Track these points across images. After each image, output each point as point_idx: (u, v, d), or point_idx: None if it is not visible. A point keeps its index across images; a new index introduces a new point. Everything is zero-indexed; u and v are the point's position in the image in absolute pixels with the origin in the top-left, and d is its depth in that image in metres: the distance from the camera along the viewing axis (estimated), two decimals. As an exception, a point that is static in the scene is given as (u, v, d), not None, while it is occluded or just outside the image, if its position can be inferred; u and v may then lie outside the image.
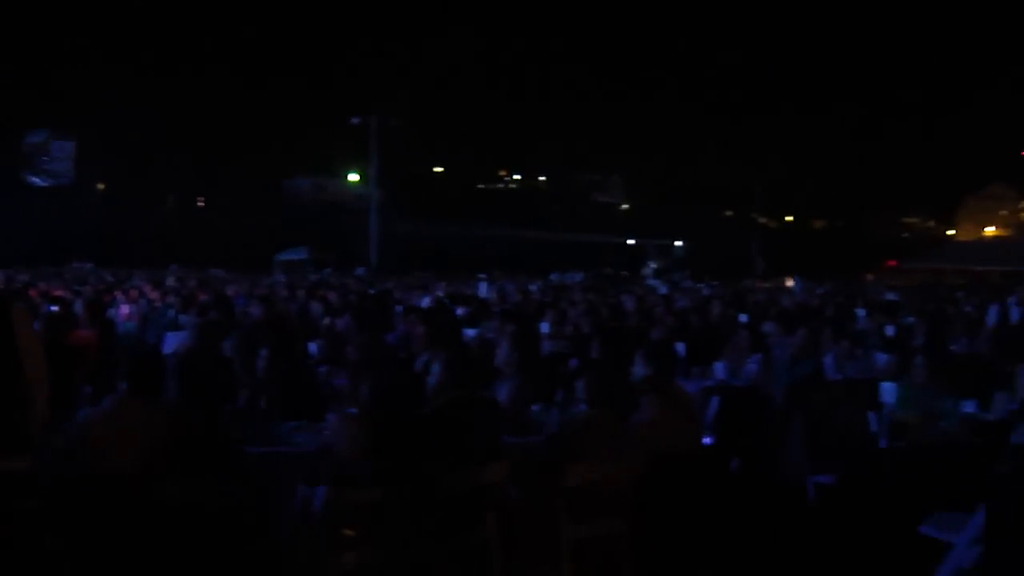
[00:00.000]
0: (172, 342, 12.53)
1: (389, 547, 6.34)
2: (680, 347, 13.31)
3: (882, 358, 12.88)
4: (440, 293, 26.09)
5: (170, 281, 33.55)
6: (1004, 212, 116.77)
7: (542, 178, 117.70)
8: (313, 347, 12.57)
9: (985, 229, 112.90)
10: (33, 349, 5.33)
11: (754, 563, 8.35)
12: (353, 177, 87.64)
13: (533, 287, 36.12)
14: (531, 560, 7.05)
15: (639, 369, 8.08)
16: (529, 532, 7.10)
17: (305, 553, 6.17)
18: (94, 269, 52.96)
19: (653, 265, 68.69)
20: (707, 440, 9.73)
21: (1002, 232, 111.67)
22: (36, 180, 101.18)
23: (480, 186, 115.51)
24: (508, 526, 6.95)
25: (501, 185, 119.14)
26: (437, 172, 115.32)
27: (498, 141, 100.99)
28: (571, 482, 6.85)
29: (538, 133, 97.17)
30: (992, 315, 16.42)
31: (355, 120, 62.12)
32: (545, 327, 14.59)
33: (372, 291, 26.64)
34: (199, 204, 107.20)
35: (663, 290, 39.10)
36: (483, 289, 26.63)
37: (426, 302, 20.68)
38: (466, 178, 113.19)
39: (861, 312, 20.79)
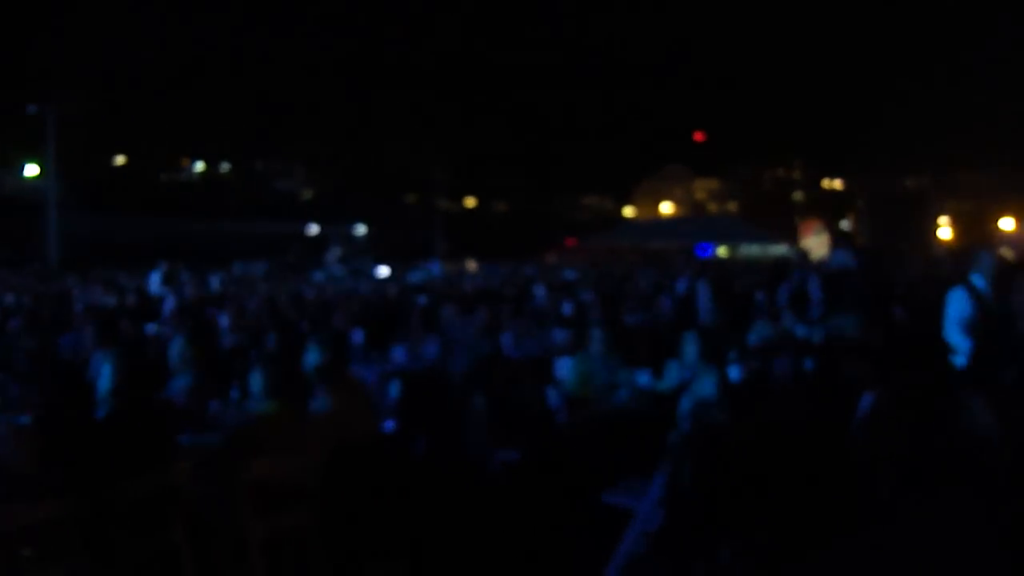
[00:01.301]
0: None
1: (73, 563, 6.15)
2: (358, 334, 13.34)
3: (559, 335, 13.16)
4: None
5: None
6: (678, 191, 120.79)
7: (225, 166, 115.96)
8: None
9: (660, 207, 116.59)
10: None
11: (444, 543, 8.41)
12: (31, 169, 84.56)
13: (214, 279, 35.58)
14: (222, 560, 6.96)
15: (312, 358, 8.07)
16: (217, 532, 7.00)
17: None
18: None
19: (336, 252, 68.47)
20: (390, 425, 9.76)
21: (677, 210, 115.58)
22: None
23: (163, 176, 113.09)
24: (195, 527, 6.83)
25: (184, 174, 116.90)
26: (119, 164, 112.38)
27: (180, 129, 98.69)
28: (253, 478, 6.78)
29: (220, 120, 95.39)
30: (679, 288, 17.02)
31: (32, 109, 59.95)
32: (224, 320, 14.41)
33: (47, 291, 25.78)
34: None
35: (339, 275, 39.09)
36: (154, 283, 25.74)
37: (112, 301, 20.19)
38: (149, 169, 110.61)
39: (541, 291, 21.21)
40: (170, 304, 17.05)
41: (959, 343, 9.09)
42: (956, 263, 21.30)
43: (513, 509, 8.58)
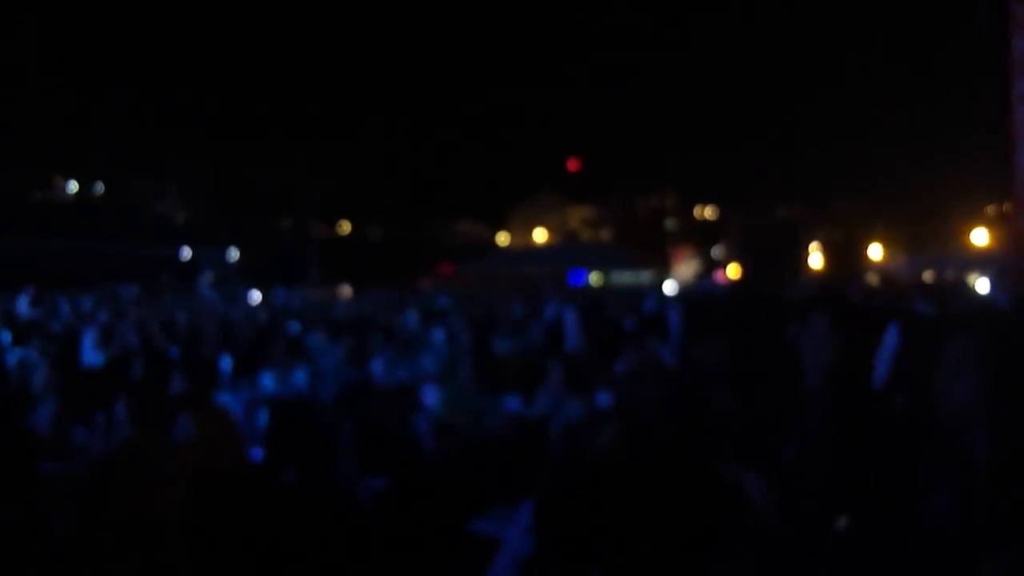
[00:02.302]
0: None
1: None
2: (226, 360, 13.23)
3: (428, 361, 13.15)
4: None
5: None
6: (552, 218, 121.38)
7: (99, 187, 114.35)
8: None
9: (535, 234, 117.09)
10: None
11: (313, 573, 8.36)
12: None
13: (86, 301, 35.09)
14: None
15: (177, 385, 7.99)
16: (82, 564, 6.88)
17: None
18: None
19: (209, 276, 67.86)
20: (257, 453, 9.68)
21: (551, 237, 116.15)
22: None
23: (35, 195, 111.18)
24: (57, 560, 6.72)
25: (56, 194, 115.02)
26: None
27: (53, 147, 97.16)
28: (117, 509, 6.69)
29: (94, 139, 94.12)
30: (548, 314, 17.10)
31: None
32: (89, 343, 14.19)
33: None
34: None
35: (213, 300, 38.78)
36: (23, 306, 25.26)
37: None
38: (20, 187, 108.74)
39: (413, 317, 21.18)
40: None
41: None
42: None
43: (382, 537, 8.55)
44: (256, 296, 43.22)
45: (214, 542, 7.27)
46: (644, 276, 68.27)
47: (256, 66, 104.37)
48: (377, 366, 12.62)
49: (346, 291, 51.61)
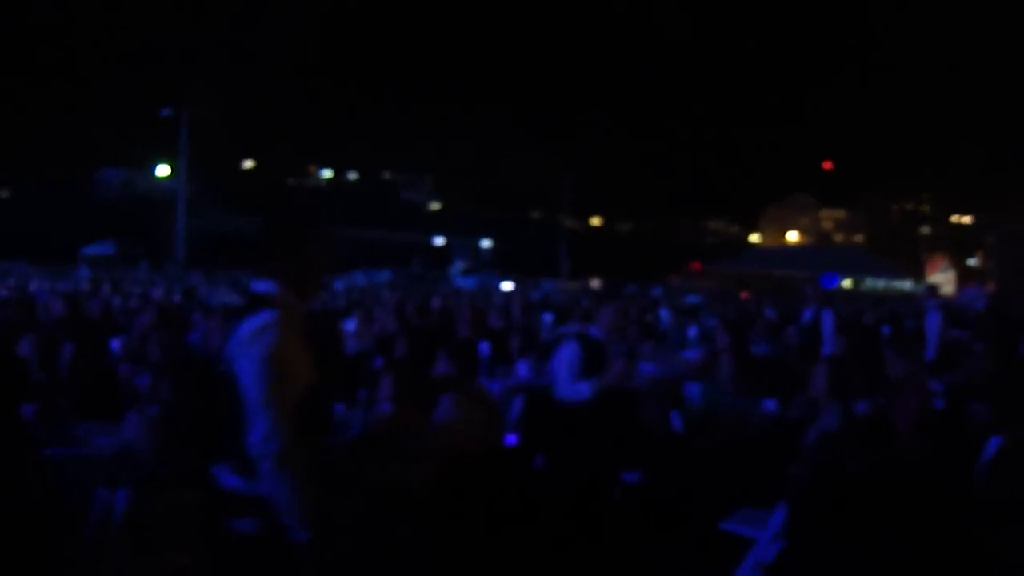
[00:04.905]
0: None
1: (194, 550, 6.23)
2: (485, 346, 13.34)
3: (687, 358, 13.06)
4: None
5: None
6: (805, 220, 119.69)
7: (352, 175, 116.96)
8: (116, 344, 12.32)
9: (786, 236, 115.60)
10: None
11: (559, 561, 8.38)
12: (163, 170, 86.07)
13: (338, 284, 35.89)
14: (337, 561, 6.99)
15: (442, 367, 8.08)
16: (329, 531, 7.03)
17: (106, 558, 6.03)
18: None
19: (461, 265, 68.63)
20: (512, 439, 9.75)
21: (802, 239, 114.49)
22: None
23: (290, 181, 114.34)
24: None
25: (310, 181, 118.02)
26: (247, 167, 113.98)
27: (309, 136, 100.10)
28: (376, 483, 6.81)
29: (349, 129, 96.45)
30: (805, 317, 16.82)
31: (165, 111, 60.98)
32: (351, 326, 14.48)
33: (177, 287, 26.24)
34: (2, 195, 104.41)
35: (470, 289, 39.17)
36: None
37: (236, 300, 20.40)
38: (276, 173, 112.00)
39: (666, 314, 21.08)
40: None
41: None
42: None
43: (631, 531, 8.53)
44: (509, 286, 43.57)
45: (460, 521, 7.34)
46: (897, 284, 66.68)
47: (514, 62, 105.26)
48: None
49: (595, 283, 51.67)
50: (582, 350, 9.10)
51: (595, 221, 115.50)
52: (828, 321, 15.41)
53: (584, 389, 8.99)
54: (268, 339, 4.39)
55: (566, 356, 9.16)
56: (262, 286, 4.63)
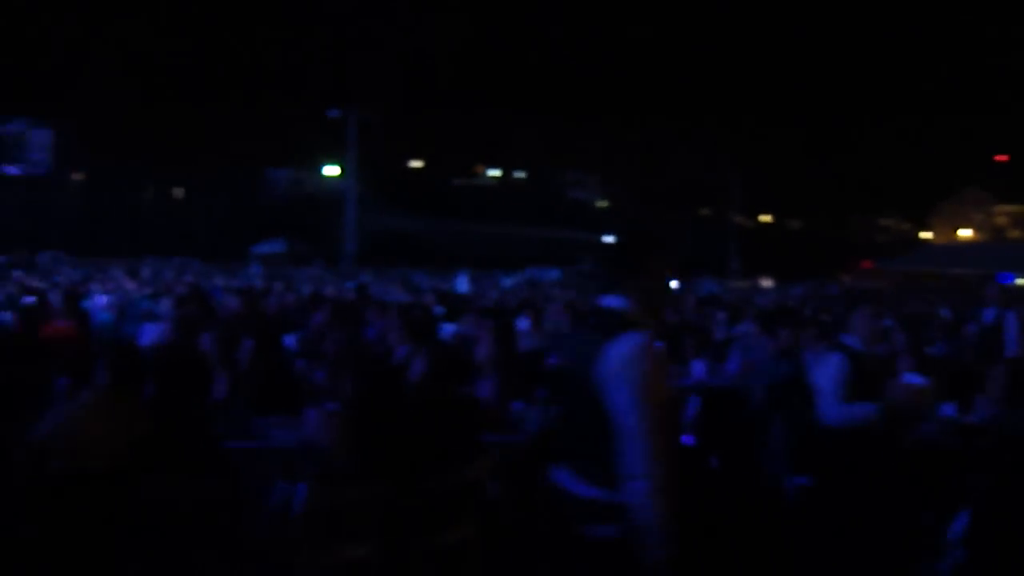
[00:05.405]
0: (149, 333, 12.41)
1: (371, 544, 6.29)
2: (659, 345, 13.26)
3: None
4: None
5: (146, 272, 33.50)
6: (978, 216, 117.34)
7: (519, 174, 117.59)
8: (290, 341, 12.50)
9: (959, 232, 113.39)
10: None
11: (732, 561, 8.31)
12: (331, 170, 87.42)
13: (507, 282, 36.10)
14: (511, 558, 7.01)
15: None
16: (509, 531, 7.05)
17: (284, 550, 6.12)
18: (63, 258, 52.53)
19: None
20: (687, 439, 9.70)
21: (976, 236, 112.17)
22: (12, 169, 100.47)
23: (457, 181, 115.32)
24: (488, 524, 6.90)
25: (478, 181, 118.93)
26: (415, 166, 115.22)
27: (475, 136, 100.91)
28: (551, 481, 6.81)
29: (516, 128, 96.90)
30: (986, 318, 16.42)
31: (333, 113, 61.88)
32: (523, 324, 14.51)
33: (349, 285, 26.59)
34: (176, 194, 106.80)
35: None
36: (462, 284, 26.47)
37: (406, 298, 20.60)
38: (443, 172, 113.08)
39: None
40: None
41: None
42: None
43: (804, 535, 8.43)
44: (674, 284, 43.43)
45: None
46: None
47: (681, 58, 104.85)
48: (808, 359, 12.41)
49: (767, 282, 51.27)
50: (848, 365, 8.63)
51: (764, 219, 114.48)
52: (1012, 322, 15.05)
53: (858, 411, 8.46)
54: (643, 366, 4.53)
55: (832, 372, 8.65)
56: (611, 301, 4.85)
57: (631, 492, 4.48)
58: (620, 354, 4.53)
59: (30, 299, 14.93)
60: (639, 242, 5.04)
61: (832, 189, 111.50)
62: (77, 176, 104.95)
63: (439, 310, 17.42)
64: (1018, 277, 67.66)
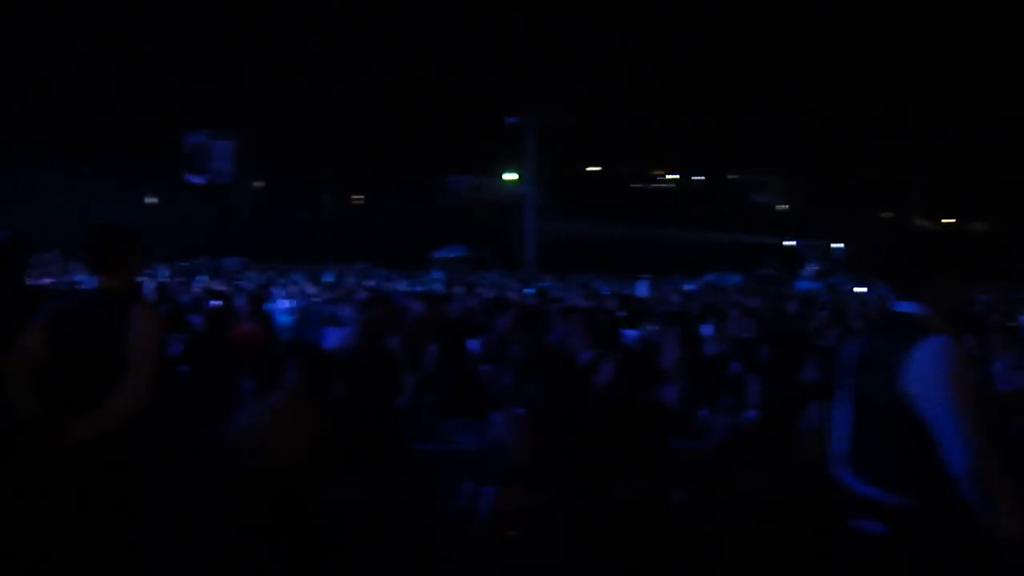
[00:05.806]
0: (331, 338, 12.59)
1: (554, 549, 6.30)
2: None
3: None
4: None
5: (327, 277, 34.04)
6: None
7: (698, 177, 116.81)
8: (473, 345, 12.55)
9: None
10: (143, 346, 5.40)
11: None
12: (509, 176, 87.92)
13: (689, 287, 35.89)
14: (694, 566, 6.96)
15: (809, 375, 7.94)
16: (693, 538, 7.00)
17: (470, 551, 6.16)
18: (247, 263, 53.56)
19: (813, 267, 67.48)
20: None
21: None
22: (196, 179, 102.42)
23: (635, 185, 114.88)
24: (672, 531, 6.86)
25: (656, 184, 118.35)
26: (592, 171, 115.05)
27: (653, 140, 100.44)
28: (739, 489, 6.75)
29: (694, 132, 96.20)
30: None
31: (511, 119, 62.24)
32: (708, 329, 14.40)
33: (530, 290, 26.71)
34: (356, 201, 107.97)
35: (815, 291, 38.66)
36: (643, 289, 26.44)
37: (587, 304, 20.58)
38: (621, 177, 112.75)
39: (1024, 319, 20.21)
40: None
41: None
42: None
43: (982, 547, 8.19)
44: (864, 290, 42.52)
45: (816, 529, 7.19)
46: None
47: (863, 60, 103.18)
48: (998, 368, 12.12)
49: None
50: None
51: (946, 221, 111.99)
52: None
53: None
54: (955, 367, 4.55)
55: None
56: (907, 307, 4.88)
57: (966, 494, 4.47)
58: (929, 358, 4.54)
59: (216, 302, 15.22)
60: (932, 249, 5.06)
61: (1015, 191, 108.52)
62: (258, 184, 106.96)
63: (620, 315, 17.36)
64: None
